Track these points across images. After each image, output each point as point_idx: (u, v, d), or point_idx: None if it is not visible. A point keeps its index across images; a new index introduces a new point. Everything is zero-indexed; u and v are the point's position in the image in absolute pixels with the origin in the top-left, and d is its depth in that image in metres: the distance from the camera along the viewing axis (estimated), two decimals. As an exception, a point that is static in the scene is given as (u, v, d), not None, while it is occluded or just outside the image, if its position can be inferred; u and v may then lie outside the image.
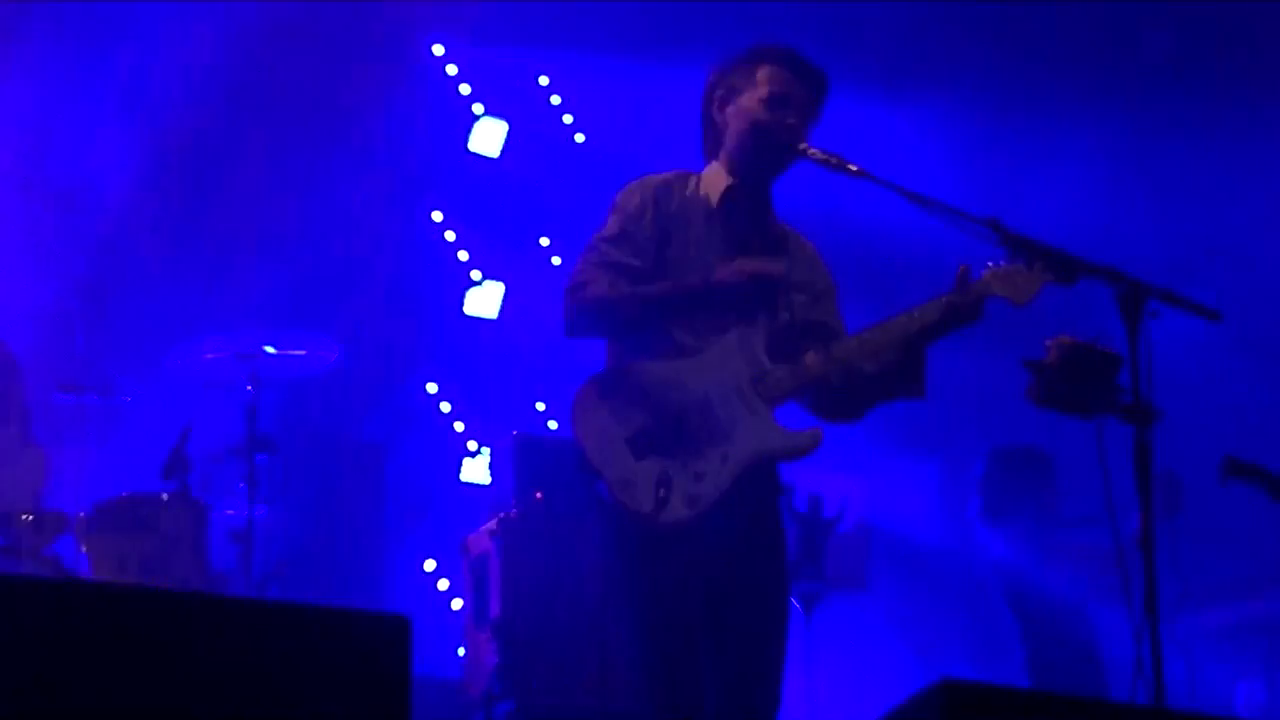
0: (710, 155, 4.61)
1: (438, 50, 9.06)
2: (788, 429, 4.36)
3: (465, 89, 9.06)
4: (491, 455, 7.74)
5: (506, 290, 8.93)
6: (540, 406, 8.87)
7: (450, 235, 8.92)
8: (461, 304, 8.88)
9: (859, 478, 7.88)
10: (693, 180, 4.58)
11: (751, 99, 4.51)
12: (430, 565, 8.43)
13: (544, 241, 9.16)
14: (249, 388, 6.91)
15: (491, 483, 7.59)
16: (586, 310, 4.39)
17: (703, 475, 4.25)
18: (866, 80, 7.92)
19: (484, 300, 8.90)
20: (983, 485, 7.20)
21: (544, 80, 9.29)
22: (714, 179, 4.56)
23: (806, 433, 4.37)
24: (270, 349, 6.96)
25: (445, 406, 8.76)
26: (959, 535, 7.52)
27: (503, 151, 9.05)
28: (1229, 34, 8.59)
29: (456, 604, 8.02)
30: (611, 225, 4.47)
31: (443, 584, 8.37)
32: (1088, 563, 7.00)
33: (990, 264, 4.32)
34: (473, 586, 7.08)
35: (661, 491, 4.21)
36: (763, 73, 4.52)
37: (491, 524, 6.89)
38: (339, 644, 2.92)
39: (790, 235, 4.63)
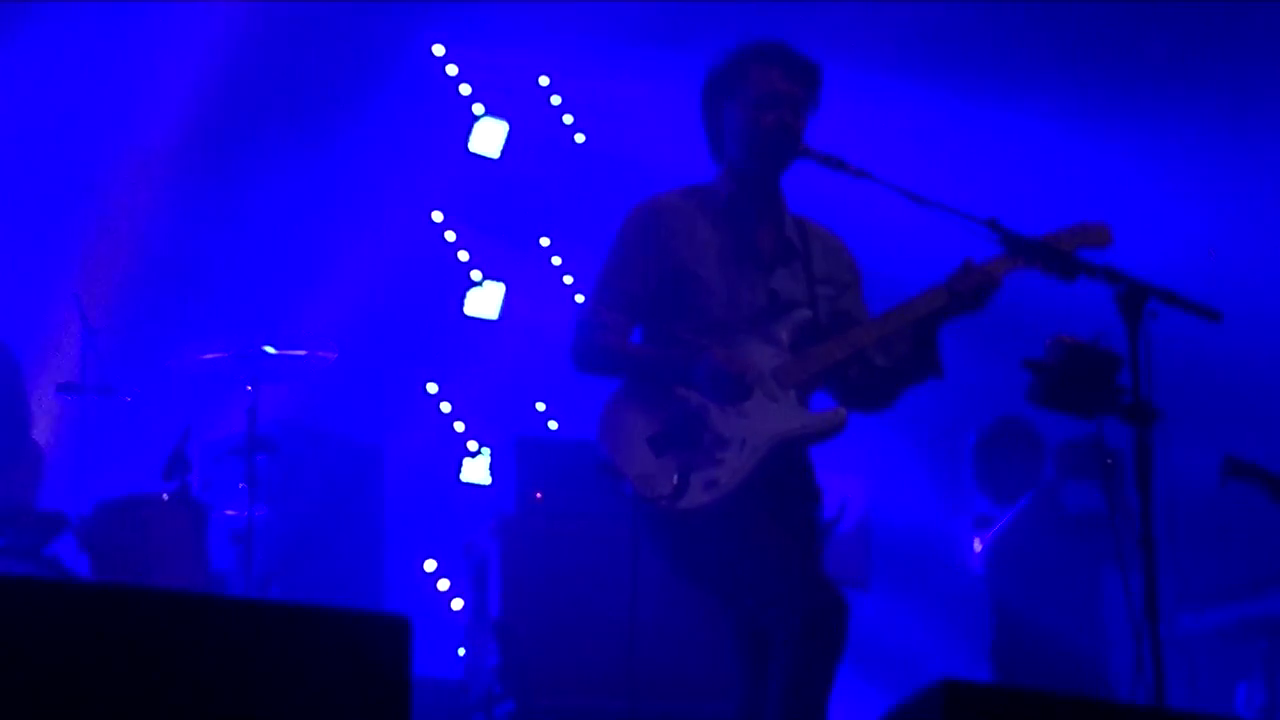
0: (716, 157, 4.65)
1: (438, 50, 9.05)
2: (810, 410, 4.41)
3: (465, 89, 9.05)
4: (491, 455, 7.74)
5: (506, 290, 8.93)
6: (540, 406, 8.87)
7: (450, 235, 8.92)
8: (461, 304, 8.88)
9: (859, 478, 7.87)
10: (698, 193, 4.62)
11: (744, 102, 4.53)
12: (430, 565, 8.42)
13: (544, 241, 9.15)
14: (249, 388, 6.90)
15: (491, 483, 7.59)
16: (587, 359, 4.55)
17: (724, 461, 4.31)
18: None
19: (484, 300, 8.90)
20: (976, 455, 7.20)
21: (544, 80, 9.28)
22: (720, 186, 4.60)
23: (829, 413, 4.41)
24: (270, 349, 6.96)
25: (445, 406, 8.75)
26: (951, 519, 7.52)
27: (503, 151, 9.04)
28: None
29: (456, 604, 8.02)
30: (616, 255, 4.58)
31: (443, 584, 8.37)
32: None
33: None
34: (473, 586, 7.08)
35: (680, 479, 4.28)
36: (752, 74, 4.54)
37: (491, 524, 6.89)
38: (339, 644, 2.92)
39: (810, 230, 4.65)
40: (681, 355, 4.40)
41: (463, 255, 8.92)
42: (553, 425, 8.81)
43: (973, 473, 7.19)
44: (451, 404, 8.76)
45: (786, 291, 4.54)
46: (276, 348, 6.96)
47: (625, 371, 4.50)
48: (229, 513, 6.92)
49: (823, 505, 4.60)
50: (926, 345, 4.46)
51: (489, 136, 9.02)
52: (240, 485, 6.83)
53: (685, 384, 4.37)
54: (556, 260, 9.11)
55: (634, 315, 4.56)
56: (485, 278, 8.92)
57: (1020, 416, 7.04)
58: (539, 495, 6.86)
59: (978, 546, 7.01)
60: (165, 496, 6.61)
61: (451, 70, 9.06)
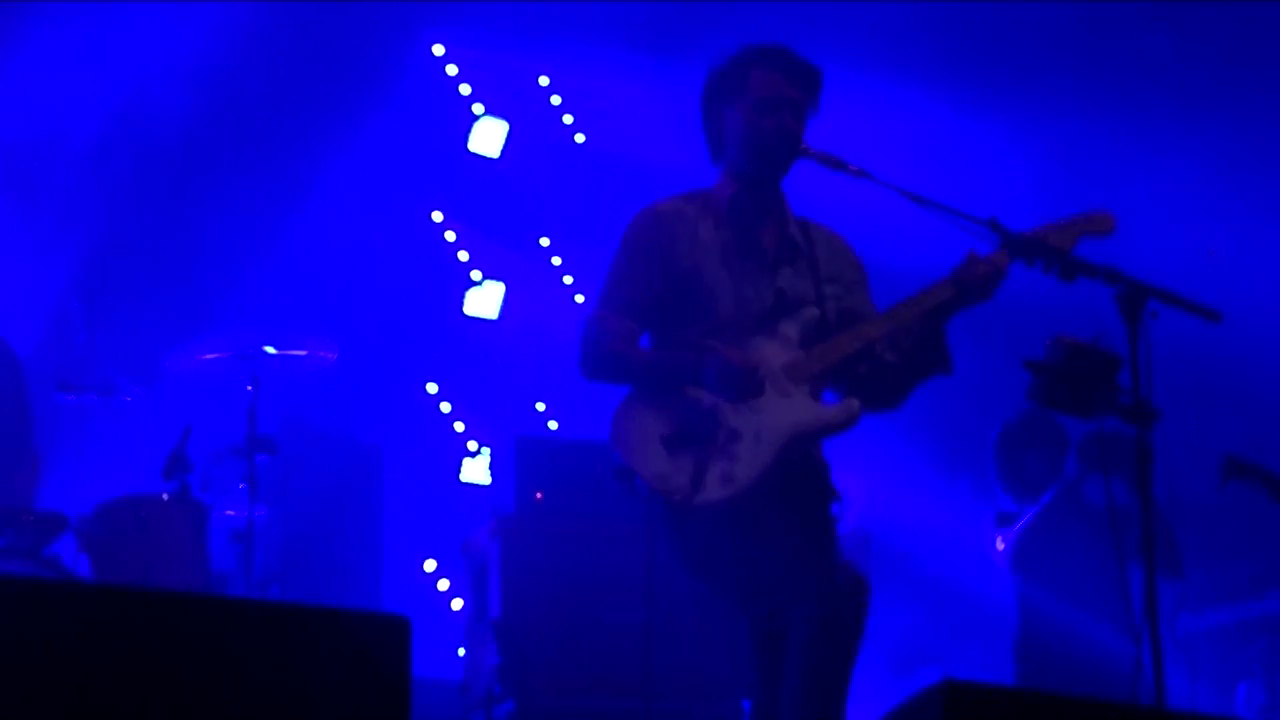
0: (716, 160, 4.66)
1: (438, 50, 9.06)
2: (822, 404, 4.42)
3: (465, 89, 9.06)
4: (491, 455, 7.74)
5: (506, 290, 8.93)
6: (540, 406, 8.87)
7: (450, 235, 8.92)
8: (461, 304, 8.88)
9: (859, 477, 7.87)
10: (700, 197, 4.63)
11: (744, 106, 4.55)
12: (430, 565, 8.43)
13: (544, 241, 9.15)
14: (249, 388, 6.90)
15: (491, 483, 7.59)
16: (596, 367, 4.55)
17: (739, 457, 4.32)
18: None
19: (484, 300, 8.90)
20: (999, 452, 7.13)
21: (544, 80, 9.28)
22: (721, 189, 4.62)
23: (840, 405, 4.42)
24: (270, 349, 6.96)
25: (445, 406, 8.75)
26: (965, 525, 7.49)
27: (503, 151, 9.04)
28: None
29: (456, 604, 8.02)
30: (620, 262, 4.59)
31: (443, 584, 8.37)
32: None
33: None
34: (473, 586, 7.08)
35: (696, 475, 4.29)
36: (753, 78, 4.55)
37: (491, 524, 6.89)
38: (339, 644, 2.92)
39: (812, 230, 4.67)
40: (690, 357, 4.41)
41: (463, 255, 8.92)
42: (553, 425, 8.81)
43: (995, 470, 7.15)
44: (451, 404, 8.76)
45: (793, 290, 4.55)
46: (276, 348, 6.96)
47: (635, 377, 4.50)
48: (229, 513, 6.92)
49: (837, 502, 4.60)
50: (934, 339, 4.47)
51: (489, 136, 9.03)
52: (240, 485, 6.83)
53: (696, 384, 4.38)
54: (556, 260, 9.12)
55: (641, 321, 4.56)
56: (485, 278, 8.92)
57: (1042, 412, 7.00)
58: (539, 495, 6.86)
59: (1000, 545, 6.98)
60: (165, 496, 6.61)
61: (451, 70, 9.06)
